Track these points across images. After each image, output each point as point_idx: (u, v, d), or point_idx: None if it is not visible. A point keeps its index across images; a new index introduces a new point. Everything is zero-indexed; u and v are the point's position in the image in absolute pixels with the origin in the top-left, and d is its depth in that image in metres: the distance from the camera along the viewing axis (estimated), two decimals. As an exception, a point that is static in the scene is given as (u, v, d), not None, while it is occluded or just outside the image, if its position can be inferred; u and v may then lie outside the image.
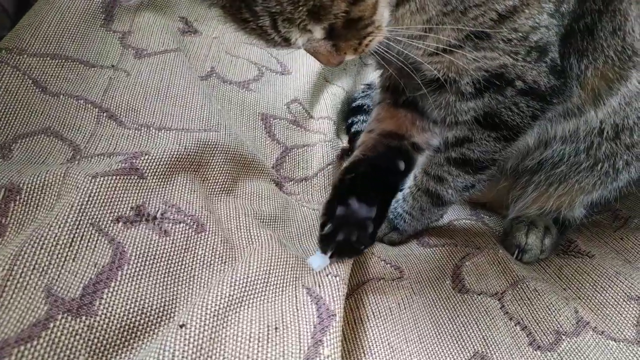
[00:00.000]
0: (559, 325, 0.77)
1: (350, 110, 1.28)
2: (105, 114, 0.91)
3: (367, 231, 0.78)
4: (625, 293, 0.83)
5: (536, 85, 0.75)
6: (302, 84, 1.26)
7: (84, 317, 0.56)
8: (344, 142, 1.18)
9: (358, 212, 0.77)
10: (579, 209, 0.96)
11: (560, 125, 0.86)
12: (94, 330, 0.56)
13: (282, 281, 0.70)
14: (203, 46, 1.25)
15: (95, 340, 0.56)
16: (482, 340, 0.74)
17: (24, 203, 0.69)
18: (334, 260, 0.74)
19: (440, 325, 0.76)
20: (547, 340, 0.75)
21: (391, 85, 0.92)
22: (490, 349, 0.73)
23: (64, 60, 0.98)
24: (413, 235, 0.99)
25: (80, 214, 0.66)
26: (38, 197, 0.70)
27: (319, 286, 0.69)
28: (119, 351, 0.57)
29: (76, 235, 0.64)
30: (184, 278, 0.67)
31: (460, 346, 0.73)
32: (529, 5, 0.69)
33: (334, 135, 1.16)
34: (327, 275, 0.71)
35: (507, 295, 0.82)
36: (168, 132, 0.91)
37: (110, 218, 0.69)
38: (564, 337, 0.75)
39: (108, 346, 0.56)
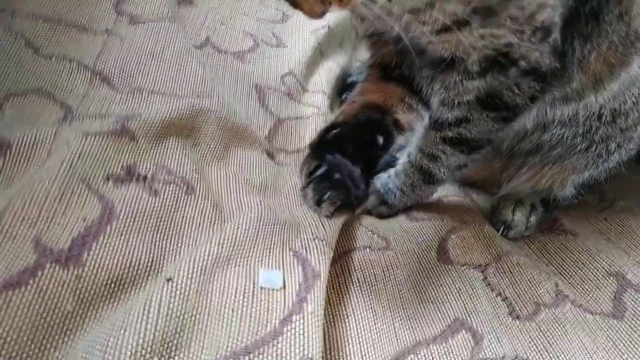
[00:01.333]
0: (538, 297, 0.79)
1: (344, 86, 1.28)
2: (98, 77, 0.91)
3: (361, 184, 0.71)
4: (605, 269, 0.85)
5: (538, 66, 0.75)
6: (297, 57, 1.26)
7: (72, 267, 0.57)
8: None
9: (346, 165, 0.70)
10: (569, 188, 0.97)
11: (560, 109, 0.86)
12: (82, 280, 0.57)
13: (269, 243, 0.72)
14: (199, 16, 1.24)
15: (83, 289, 0.57)
16: (463, 308, 0.76)
17: (15, 158, 0.69)
18: (329, 216, 0.70)
19: (423, 293, 0.77)
20: (526, 310, 0.77)
21: (382, 62, 0.88)
22: (471, 316, 0.74)
23: (57, 24, 0.97)
24: (401, 210, 1.01)
25: (71, 171, 0.67)
26: (28, 153, 0.70)
27: (306, 249, 0.71)
28: (106, 301, 0.58)
29: (66, 190, 0.65)
30: (173, 236, 0.68)
31: (441, 313, 0.74)
32: None
33: (327, 110, 1.16)
34: (314, 240, 0.73)
35: (490, 268, 0.84)
36: (161, 96, 0.91)
37: (101, 176, 0.69)
38: (542, 308, 0.77)
39: (95, 296, 0.57)
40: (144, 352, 0.51)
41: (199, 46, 1.15)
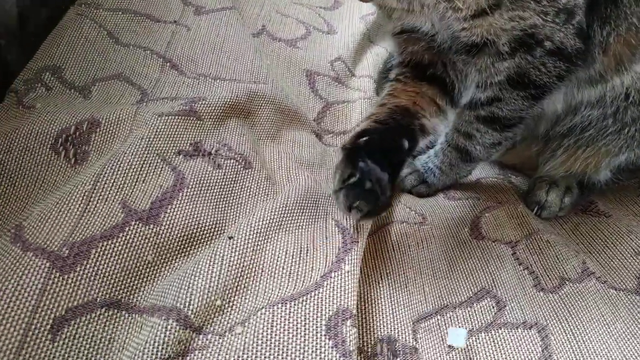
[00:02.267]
0: (564, 273, 0.85)
1: (386, 70, 1.35)
2: (168, 64, 1.03)
3: (387, 190, 0.76)
4: (633, 249, 0.89)
5: (563, 47, 0.80)
6: (346, 43, 1.33)
7: (151, 225, 0.69)
8: (382, 100, 1.25)
9: (376, 172, 0.76)
10: (604, 172, 1.00)
11: (587, 92, 0.90)
12: (159, 235, 0.69)
13: (315, 213, 0.81)
14: (256, 5, 1.34)
15: (160, 243, 0.68)
16: (490, 278, 0.82)
17: (103, 134, 0.82)
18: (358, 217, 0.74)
19: (454, 264, 0.85)
20: (551, 284, 0.83)
21: (412, 60, 0.92)
22: (497, 286, 0.81)
23: (133, 15, 1.10)
24: (441, 190, 1.07)
25: (149, 145, 0.79)
26: (114, 129, 0.83)
27: (346, 220, 0.80)
28: (179, 254, 0.69)
29: (145, 162, 0.77)
30: (233, 204, 0.79)
31: (469, 282, 0.82)
32: None
33: (373, 93, 1.24)
34: (355, 212, 0.81)
35: (520, 244, 0.90)
36: (222, 82, 1.02)
37: (173, 151, 0.81)
38: (567, 283, 0.83)
39: (170, 249, 0.69)
40: (208, 294, 0.63)
41: (256, 34, 1.25)
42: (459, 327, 0.74)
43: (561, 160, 1.00)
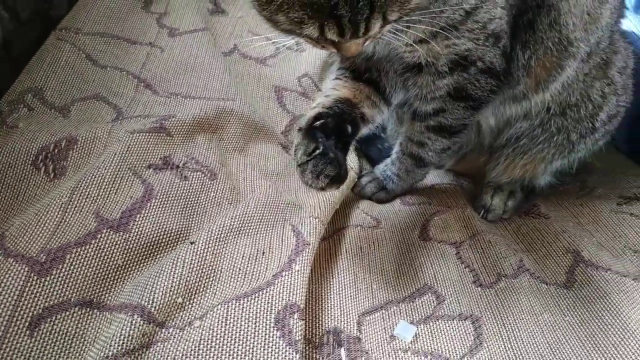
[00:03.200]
0: (502, 269, 0.93)
1: None
2: (142, 84, 1.12)
3: (343, 163, 0.85)
4: (565, 247, 0.98)
5: (492, 66, 0.90)
6: (313, 60, 1.42)
7: (121, 233, 0.77)
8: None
9: (332, 147, 0.84)
10: (543, 177, 1.10)
11: (513, 108, 1.01)
12: (129, 242, 0.77)
13: (273, 219, 0.90)
14: (228, 25, 1.43)
15: (129, 249, 0.76)
16: (433, 276, 0.91)
17: (80, 150, 0.90)
18: (323, 188, 0.82)
19: (401, 263, 0.93)
20: (488, 279, 0.91)
21: (352, 66, 1.02)
22: (438, 283, 0.90)
23: (110, 38, 1.18)
24: (399, 195, 1.16)
25: (121, 161, 0.87)
26: (90, 146, 0.91)
27: (301, 225, 0.88)
28: (146, 258, 0.77)
29: (117, 175, 0.85)
30: (198, 212, 0.87)
31: (414, 279, 0.90)
32: (487, 1, 0.83)
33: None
34: (309, 217, 0.90)
35: (464, 245, 0.99)
36: (192, 99, 1.10)
37: (144, 165, 0.89)
38: (503, 278, 0.91)
39: (138, 253, 0.77)
40: (170, 292, 0.71)
41: (227, 53, 1.34)
42: (403, 320, 0.83)
43: (503, 168, 1.09)
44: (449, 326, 0.82)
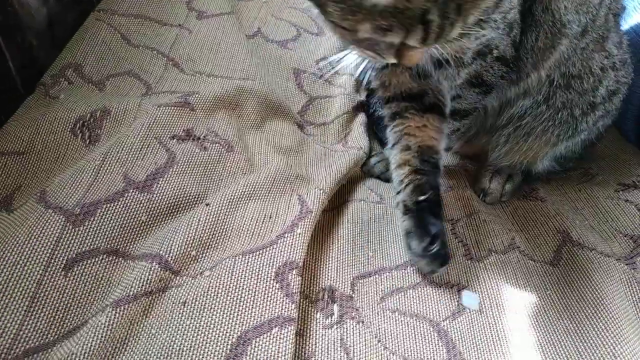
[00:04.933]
0: (493, 246, 1.00)
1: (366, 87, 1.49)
2: (171, 62, 1.21)
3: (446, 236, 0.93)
4: (556, 228, 1.03)
5: (504, 54, 0.96)
6: (332, 44, 1.49)
7: (145, 193, 0.87)
8: (361, 96, 1.41)
9: (442, 228, 0.93)
10: (544, 161, 1.14)
11: (513, 89, 1.06)
12: (151, 201, 0.87)
13: (282, 188, 0.98)
14: (253, 9, 1.51)
15: (152, 207, 0.86)
16: (427, 248, 0.98)
17: (112, 120, 1.00)
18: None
19: (397, 235, 1.00)
20: (479, 254, 0.98)
21: (404, 92, 1.02)
22: (431, 254, 0.97)
23: (143, 19, 1.28)
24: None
25: (148, 131, 0.97)
26: (121, 117, 1.01)
27: (307, 194, 0.96)
28: (166, 216, 0.87)
29: (144, 144, 0.95)
30: (214, 179, 0.96)
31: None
32: None
33: (352, 90, 1.39)
34: (315, 189, 0.98)
35: (460, 222, 1.05)
36: (215, 78, 1.19)
37: (168, 135, 0.99)
38: (493, 254, 0.98)
39: (160, 212, 0.87)
40: (186, 245, 0.80)
41: (251, 36, 1.43)
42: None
43: (505, 150, 1.14)
44: (435, 292, 0.89)
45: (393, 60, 0.71)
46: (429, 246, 0.89)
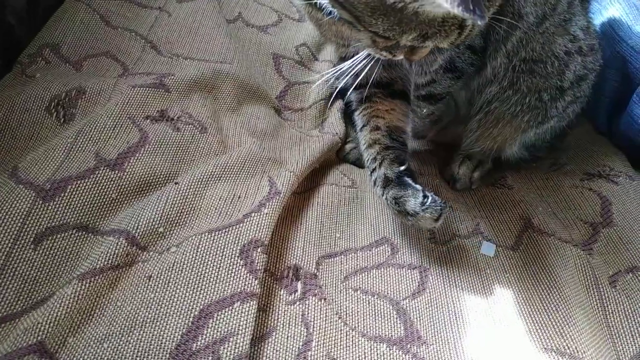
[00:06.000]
0: (457, 231, 1.03)
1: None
2: (149, 45, 1.22)
3: None
4: (519, 214, 1.06)
5: (474, 43, 1.01)
6: (313, 30, 1.50)
7: (116, 171, 0.89)
8: (340, 82, 1.42)
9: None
10: (514, 148, 1.17)
11: (481, 76, 1.09)
12: (122, 179, 0.88)
13: (253, 170, 1.01)
14: (236, -6, 1.52)
15: (122, 185, 0.88)
16: (393, 231, 1.01)
17: (87, 100, 1.01)
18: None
19: (365, 218, 1.03)
20: (443, 239, 1.01)
21: (375, 80, 1.04)
22: (396, 237, 1.00)
23: (122, 1, 1.29)
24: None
25: (122, 110, 0.98)
26: (96, 97, 1.02)
27: (277, 177, 0.99)
28: (136, 195, 0.89)
29: (117, 123, 0.96)
30: (186, 160, 0.98)
31: (375, 232, 1.00)
32: None
33: (330, 76, 1.41)
34: (286, 171, 1.00)
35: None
36: (192, 61, 1.21)
37: (142, 115, 1.00)
38: (456, 238, 1.01)
39: (130, 190, 0.88)
40: (153, 222, 0.83)
41: (231, 20, 1.44)
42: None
43: (476, 137, 1.17)
44: (398, 273, 0.92)
45: (401, 57, 0.78)
46: (424, 200, 0.91)
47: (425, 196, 0.91)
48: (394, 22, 0.67)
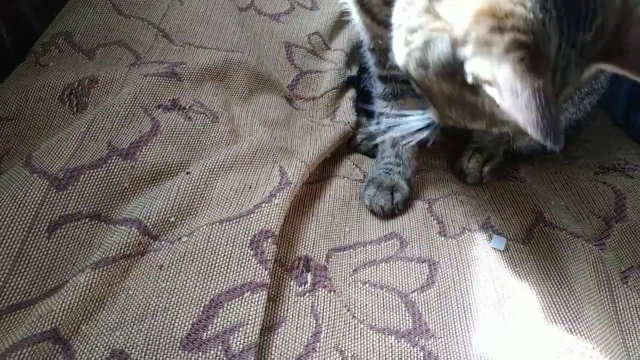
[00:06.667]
0: (467, 224, 1.02)
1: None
2: (161, 33, 1.22)
3: None
4: (530, 208, 1.05)
5: None
6: (325, 19, 1.49)
7: (129, 160, 0.89)
8: (352, 71, 1.41)
9: None
10: (526, 138, 1.14)
11: None
12: (134, 168, 0.89)
13: (264, 160, 1.01)
14: (248, -18, 1.51)
15: (135, 174, 0.89)
16: (401, 225, 1.01)
17: (100, 89, 1.02)
18: None
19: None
20: (453, 231, 1.00)
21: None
22: (405, 231, 0.99)
23: (136, -11, 1.29)
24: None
25: (134, 99, 0.99)
26: (109, 86, 1.03)
27: (288, 166, 0.99)
28: (148, 183, 0.90)
29: (130, 112, 0.97)
30: (197, 149, 0.99)
31: (384, 226, 1.01)
32: None
33: (343, 65, 1.40)
34: (297, 161, 1.00)
35: (437, 201, 1.07)
36: (204, 49, 1.20)
37: (154, 104, 1.00)
38: (466, 232, 1.00)
39: (142, 179, 0.89)
40: (165, 212, 0.83)
41: (244, 8, 1.43)
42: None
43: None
44: (406, 266, 0.92)
45: None
46: None
47: None
48: (467, 113, 0.66)
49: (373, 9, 0.85)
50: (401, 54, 0.67)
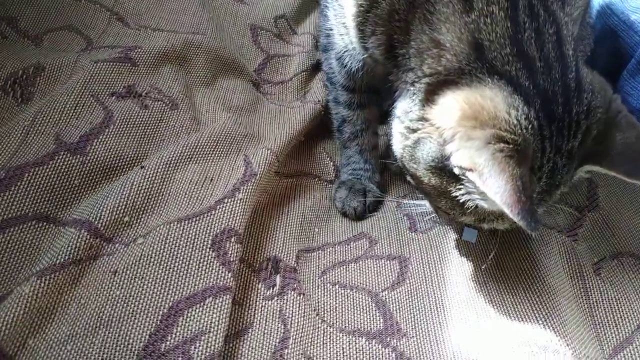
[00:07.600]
0: (438, 218, 0.99)
1: None
2: (115, 17, 1.14)
3: None
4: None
5: None
6: (292, 1, 1.42)
7: (78, 155, 0.82)
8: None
9: None
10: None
11: None
12: (84, 164, 0.82)
13: (227, 149, 0.95)
14: (211, -40, 1.42)
15: (85, 171, 0.82)
16: (371, 224, 0.98)
17: (47, 78, 0.94)
18: None
19: (345, 215, 1.00)
20: (424, 227, 0.97)
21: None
22: (374, 230, 0.96)
23: (87, -30, 1.19)
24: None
25: (84, 88, 0.91)
26: (56, 74, 0.95)
27: (254, 155, 0.93)
28: (101, 181, 0.83)
29: (79, 102, 0.89)
30: (155, 140, 0.92)
31: (353, 226, 0.98)
32: None
33: (311, 48, 1.34)
34: (263, 148, 0.95)
35: (407, 197, 1.05)
36: (161, 32, 1.13)
37: (107, 92, 0.93)
38: (437, 225, 0.97)
39: (93, 176, 0.82)
40: (118, 210, 0.77)
41: (206, -12, 1.34)
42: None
43: None
44: (376, 264, 0.89)
45: None
46: None
47: None
48: (455, 205, 0.72)
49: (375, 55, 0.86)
50: (398, 146, 0.77)
